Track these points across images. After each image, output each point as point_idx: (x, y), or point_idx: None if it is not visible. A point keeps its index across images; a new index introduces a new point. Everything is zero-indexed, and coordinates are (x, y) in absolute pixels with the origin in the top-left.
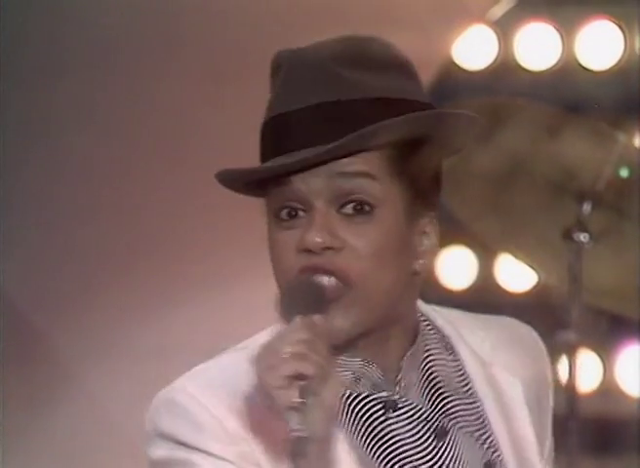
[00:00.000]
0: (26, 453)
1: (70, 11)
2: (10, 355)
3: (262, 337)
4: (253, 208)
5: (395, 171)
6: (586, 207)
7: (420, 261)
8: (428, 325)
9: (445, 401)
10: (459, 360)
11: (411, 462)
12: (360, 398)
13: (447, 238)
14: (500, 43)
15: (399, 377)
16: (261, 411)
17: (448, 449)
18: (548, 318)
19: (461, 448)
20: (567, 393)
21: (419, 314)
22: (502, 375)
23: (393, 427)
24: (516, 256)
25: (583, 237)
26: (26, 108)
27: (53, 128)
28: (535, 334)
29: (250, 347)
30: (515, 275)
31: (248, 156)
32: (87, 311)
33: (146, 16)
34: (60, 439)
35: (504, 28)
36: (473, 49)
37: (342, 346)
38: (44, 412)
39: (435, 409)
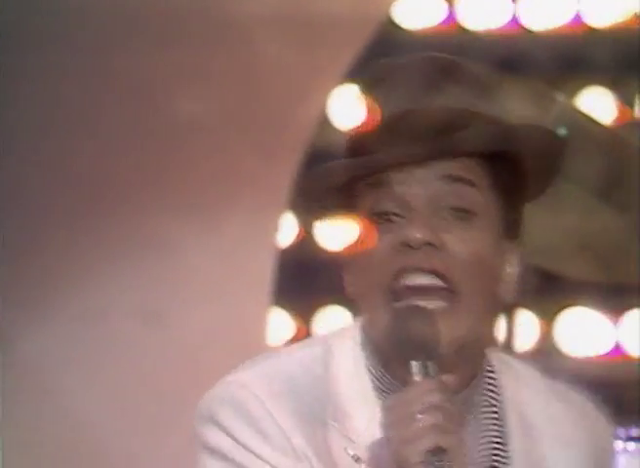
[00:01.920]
0: None
1: (73, 10)
2: None
3: (336, 339)
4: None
5: (493, 183)
6: None
7: (504, 286)
8: (491, 379)
9: (489, 445)
10: (502, 425)
11: None
12: None
13: None
14: (443, 3)
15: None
16: (324, 424)
17: None
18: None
19: None
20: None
21: (488, 366)
22: (550, 447)
23: None
24: None
25: None
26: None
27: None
28: (605, 421)
29: (322, 346)
30: None
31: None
32: (22, 274)
33: (148, 16)
34: None
35: None
36: (416, 9)
37: None
38: None
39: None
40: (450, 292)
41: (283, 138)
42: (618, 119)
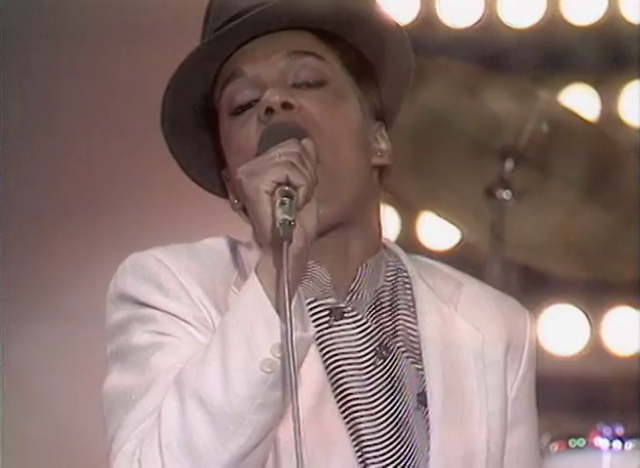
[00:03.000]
0: None
1: (71, 8)
2: None
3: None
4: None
5: (341, 64)
6: (509, 164)
7: (378, 154)
8: (396, 257)
9: (395, 324)
10: (411, 297)
11: (347, 375)
12: (306, 302)
13: None
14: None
15: (351, 288)
16: (226, 287)
17: (385, 369)
18: (471, 275)
19: (400, 371)
20: None
21: (390, 247)
22: (463, 324)
23: (334, 336)
24: (438, 214)
25: (506, 194)
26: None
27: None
28: (527, 315)
29: (229, 239)
30: (437, 233)
31: None
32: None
33: (147, 13)
34: None
35: None
36: (394, 5)
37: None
38: None
39: (382, 329)
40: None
41: None
42: (602, 116)
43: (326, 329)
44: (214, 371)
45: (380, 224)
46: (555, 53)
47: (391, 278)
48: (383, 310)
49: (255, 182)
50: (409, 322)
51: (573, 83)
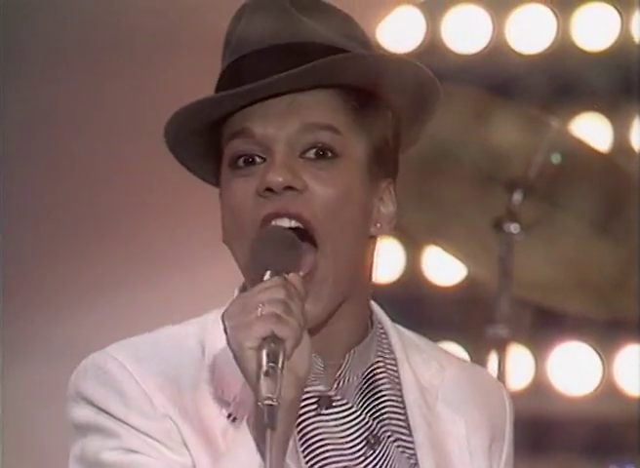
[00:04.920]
0: None
1: (73, 9)
2: None
3: (213, 315)
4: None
5: (357, 126)
6: (517, 196)
7: (378, 225)
8: (384, 335)
9: (383, 410)
10: (398, 380)
11: (337, 467)
12: None
13: None
14: (427, 25)
15: (339, 374)
16: (194, 389)
17: (377, 459)
18: (478, 312)
19: (392, 461)
20: None
21: (378, 323)
22: (445, 412)
23: (322, 426)
24: (444, 249)
25: (514, 228)
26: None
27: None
28: (504, 392)
29: (198, 323)
30: (443, 267)
31: None
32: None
33: (150, 14)
34: None
35: (433, 10)
36: (400, 31)
37: None
38: None
39: (372, 416)
40: (316, 238)
41: None
42: (614, 146)
43: (314, 417)
44: None
45: (370, 295)
46: (565, 80)
47: (380, 358)
48: (372, 393)
49: (239, 338)
50: (396, 407)
51: (584, 111)
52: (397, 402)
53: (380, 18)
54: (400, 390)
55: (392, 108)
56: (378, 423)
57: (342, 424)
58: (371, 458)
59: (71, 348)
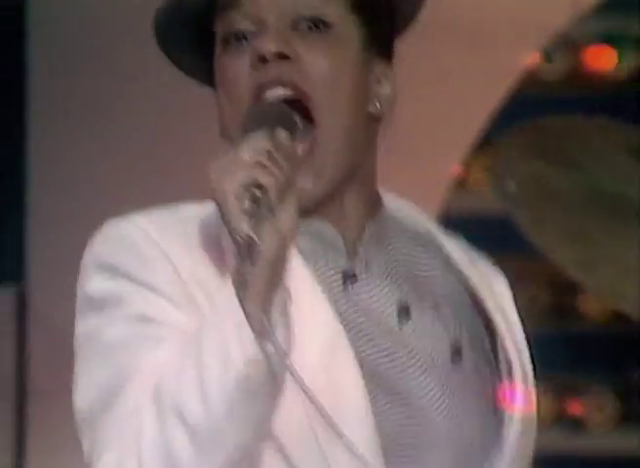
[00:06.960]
0: None
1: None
2: None
3: None
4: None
5: (350, 2)
6: None
7: (376, 104)
8: (396, 217)
9: (411, 281)
10: (435, 257)
11: (372, 340)
12: (318, 265)
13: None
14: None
15: (359, 249)
16: (216, 257)
17: (412, 328)
18: (630, 352)
19: (428, 326)
20: None
21: (386, 205)
22: (487, 269)
23: (351, 300)
24: (594, 287)
25: None
26: None
27: None
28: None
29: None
30: (596, 305)
31: None
32: None
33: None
34: None
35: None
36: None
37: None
38: None
39: (398, 287)
40: (312, 110)
41: None
42: None
43: (341, 292)
44: (191, 386)
45: (375, 168)
46: None
47: (405, 243)
48: (398, 268)
49: (221, 184)
50: (425, 271)
51: None
52: (425, 266)
53: (530, 50)
54: (419, 262)
55: None
56: (407, 293)
57: (371, 297)
58: (406, 327)
59: None
